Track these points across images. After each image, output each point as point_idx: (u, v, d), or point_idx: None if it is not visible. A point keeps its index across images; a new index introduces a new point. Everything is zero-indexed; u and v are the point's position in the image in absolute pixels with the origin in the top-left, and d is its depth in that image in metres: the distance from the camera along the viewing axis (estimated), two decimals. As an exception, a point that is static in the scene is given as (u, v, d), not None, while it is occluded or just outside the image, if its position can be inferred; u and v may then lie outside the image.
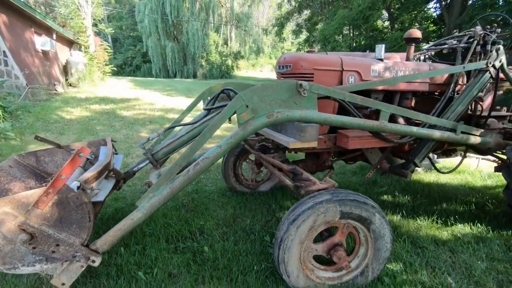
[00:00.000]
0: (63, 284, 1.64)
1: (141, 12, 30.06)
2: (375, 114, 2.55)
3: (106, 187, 2.03)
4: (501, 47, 2.66)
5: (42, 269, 1.60)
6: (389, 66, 2.51)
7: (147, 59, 33.82)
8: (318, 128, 2.00)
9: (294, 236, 1.78)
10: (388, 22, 20.13)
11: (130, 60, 35.32)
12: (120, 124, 6.53)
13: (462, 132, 2.49)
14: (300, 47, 25.34)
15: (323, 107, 2.09)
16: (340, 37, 19.24)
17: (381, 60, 2.54)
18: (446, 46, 3.05)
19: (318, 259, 1.97)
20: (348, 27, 18.68)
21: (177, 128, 2.75)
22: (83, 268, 1.66)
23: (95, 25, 14.75)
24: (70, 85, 11.69)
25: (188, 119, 3.04)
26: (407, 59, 2.78)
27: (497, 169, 3.13)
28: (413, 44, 2.75)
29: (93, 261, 1.65)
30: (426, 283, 2.03)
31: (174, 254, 2.22)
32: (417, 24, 18.63)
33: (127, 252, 2.19)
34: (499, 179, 3.95)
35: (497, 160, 3.24)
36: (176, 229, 2.50)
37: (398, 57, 2.78)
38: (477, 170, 4.36)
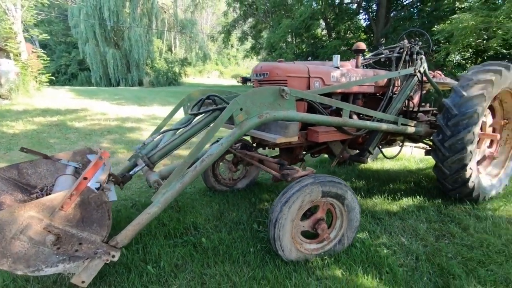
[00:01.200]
0: (83, 282, 1.75)
1: (75, 16, 27.87)
2: (335, 113, 3.07)
3: (112, 189, 2.15)
4: (423, 57, 3.41)
5: (65, 269, 1.70)
6: (344, 73, 3.05)
7: (85, 67, 31.43)
8: (298, 125, 2.41)
9: (287, 215, 2.14)
10: (326, 31, 22.01)
11: (64, 68, 32.40)
12: (75, 136, 6.21)
13: (402, 124, 3.14)
14: (248, 54, 26.14)
15: (296, 108, 2.50)
16: (284, 45, 20.45)
17: (338, 67, 3.07)
18: (383, 55, 3.75)
19: (304, 234, 2.36)
20: (291, 35, 19.96)
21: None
22: (103, 264, 1.79)
23: (26, 30, 13.44)
24: (0, 97, 10.50)
25: (169, 124, 3.22)
26: (357, 66, 3.37)
27: (427, 153, 3.92)
28: (360, 54, 3.35)
29: (113, 256, 1.79)
30: (386, 244, 2.56)
31: (175, 248, 2.41)
32: (350, 33, 20.71)
33: (129, 251, 2.31)
34: (428, 162, 4.86)
35: (426, 146, 4.04)
36: (170, 227, 2.68)
37: (349, 65, 3.36)
38: (412, 156, 5.26)
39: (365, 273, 2.16)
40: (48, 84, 13.93)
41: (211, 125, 2.02)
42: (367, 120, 2.96)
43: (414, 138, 3.88)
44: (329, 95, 2.91)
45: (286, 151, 3.14)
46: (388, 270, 2.20)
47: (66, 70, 32.40)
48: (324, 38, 21.67)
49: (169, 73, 32.91)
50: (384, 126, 2.96)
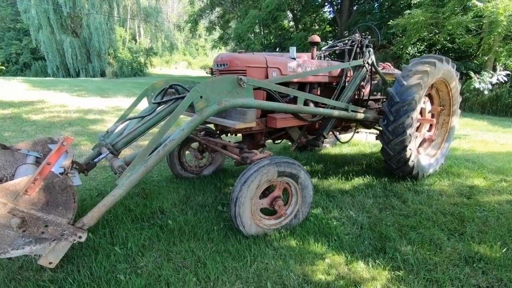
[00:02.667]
0: (50, 263, 1.84)
1: (25, 0, 25.62)
2: (293, 101, 3.31)
3: (76, 175, 2.21)
4: (371, 49, 3.75)
5: (32, 251, 1.77)
6: (300, 63, 3.29)
7: (39, 56, 29.11)
8: (256, 112, 2.61)
9: (246, 193, 2.35)
10: (293, 22, 22.36)
11: (15, 57, 29.72)
12: (32, 129, 5.93)
13: (352, 111, 3.46)
14: (216, 44, 25.81)
15: (255, 96, 2.70)
16: (252, 36, 20.52)
17: (294, 59, 3.30)
18: (337, 48, 4.05)
19: (263, 211, 2.59)
20: (259, 26, 20.05)
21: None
22: (69, 245, 1.88)
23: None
24: None
25: (132, 114, 3.27)
26: (312, 57, 3.63)
27: (377, 138, 4.33)
28: (315, 46, 3.60)
29: (80, 237, 1.89)
30: (337, 217, 2.88)
31: (142, 230, 2.53)
32: (316, 25, 21.23)
33: (96, 235, 2.40)
34: (380, 146, 5.32)
35: (377, 132, 4.45)
36: (137, 212, 2.79)
37: (305, 56, 3.60)
38: (366, 142, 5.72)
39: (316, 241, 2.45)
40: (-2, 74, 12.87)
41: (173, 112, 2.15)
42: (322, 107, 3.24)
43: (366, 125, 4.26)
44: (286, 84, 3.12)
45: (248, 137, 3.34)
46: (336, 238, 2.51)
47: (18, 59, 29.76)
48: (291, 29, 22.04)
49: (134, 63, 31.60)
50: (336, 112, 3.26)
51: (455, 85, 4.04)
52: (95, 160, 2.57)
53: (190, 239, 2.43)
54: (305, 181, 2.62)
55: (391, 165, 3.67)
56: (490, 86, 9.88)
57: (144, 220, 2.71)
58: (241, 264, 2.16)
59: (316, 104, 3.28)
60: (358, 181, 3.77)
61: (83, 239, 1.90)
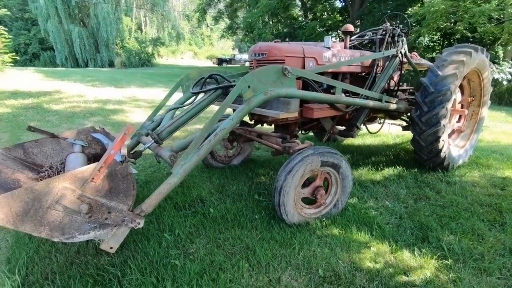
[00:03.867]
0: (111, 247, 1.90)
1: (34, -10, 25.56)
2: (325, 91, 3.30)
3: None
4: (404, 39, 3.70)
5: (96, 235, 1.83)
6: (335, 53, 3.26)
7: (48, 46, 29.21)
8: (298, 102, 2.61)
9: (291, 183, 2.38)
10: (303, 12, 21.97)
11: (23, 48, 29.84)
12: (56, 119, 6.01)
13: (386, 101, 3.44)
14: (224, 34, 25.56)
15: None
16: (261, 25, 20.25)
17: (329, 48, 3.27)
18: (367, 37, 3.99)
19: (304, 200, 2.63)
20: (268, 15, 19.76)
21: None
22: (128, 231, 1.94)
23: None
24: (-40, 78, 9.71)
25: (169, 102, 3.30)
26: (345, 47, 3.59)
27: (405, 129, 4.32)
28: (348, 35, 3.56)
29: (138, 223, 1.94)
30: (373, 207, 2.90)
31: (186, 218, 2.59)
32: (327, 14, 20.85)
33: (144, 222, 2.46)
34: (404, 137, 5.31)
35: (402, 123, 4.42)
36: (178, 200, 2.84)
37: (339, 46, 3.57)
38: (389, 133, 5.69)
39: (358, 230, 2.48)
40: (12, 64, 12.97)
41: (224, 101, 2.17)
42: (355, 97, 3.23)
43: (392, 115, 4.23)
44: (321, 74, 3.11)
45: (282, 127, 3.35)
46: (377, 227, 2.54)
47: (26, 50, 29.89)
48: (300, 19, 21.69)
49: (141, 53, 31.49)
50: (371, 103, 3.24)
51: (487, 75, 3.98)
52: (141, 149, 2.61)
53: (235, 227, 2.48)
54: (346, 171, 2.63)
55: (422, 156, 3.66)
56: (509, 77, 9.69)
57: (185, 208, 2.77)
58: (289, 251, 2.21)
59: (347, 94, 3.27)
60: (388, 171, 3.77)
61: (141, 225, 1.95)
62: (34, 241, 2.23)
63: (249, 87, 2.25)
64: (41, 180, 2.35)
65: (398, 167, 3.87)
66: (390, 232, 2.49)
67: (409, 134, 4.70)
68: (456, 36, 10.72)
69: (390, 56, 3.64)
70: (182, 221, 2.54)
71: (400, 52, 3.63)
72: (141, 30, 39.64)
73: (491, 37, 9.57)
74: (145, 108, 7.64)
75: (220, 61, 40.06)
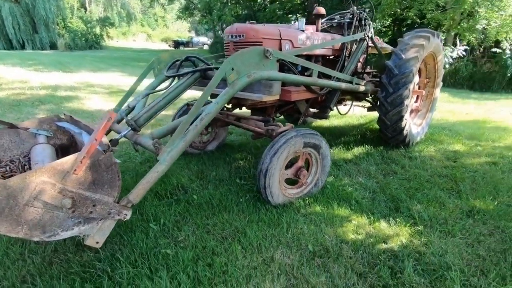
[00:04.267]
0: (97, 242, 1.79)
1: None
2: (300, 73, 3.35)
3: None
4: (371, 23, 3.86)
5: (80, 231, 1.71)
6: (308, 36, 3.30)
7: (-28, 25, 25.25)
8: (280, 84, 2.62)
9: (276, 165, 2.42)
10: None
11: None
12: (-2, 108, 5.32)
13: (356, 84, 3.60)
14: (181, 15, 24.30)
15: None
16: (220, 6, 19.61)
17: (303, 31, 3.30)
18: (335, 21, 4.09)
19: (286, 181, 2.70)
20: (227, -4, 19.19)
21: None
22: (114, 224, 1.84)
23: None
24: None
25: (140, 88, 3.10)
26: (317, 30, 3.65)
27: (369, 109, 4.59)
28: (320, 18, 3.62)
29: (126, 215, 1.84)
30: (349, 183, 3.09)
31: (170, 206, 2.52)
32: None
33: (125, 214, 2.34)
34: (367, 118, 5.64)
35: (367, 104, 4.67)
36: (159, 189, 2.74)
37: (311, 28, 3.61)
38: (353, 114, 5.99)
39: (339, 206, 2.63)
40: None
41: (208, 85, 2.10)
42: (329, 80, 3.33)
43: (358, 97, 4.45)
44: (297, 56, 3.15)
45: (259, 111, 3.35)
46: (355, 202, 2.71)
47: None
48: (259, 0, 21.38)
49: (88, 34, 28.75)
50: (343, 85, 3.37)
51: (441, 58, 4.34)
52: (117, 137, 2.43)
53: (222, 212, 2.48)
54: (325, 151, 2.75)
55: (387, 134, 3.94)
56: (451, 60, 10.68)
57: (167, 197, 2.68)
58: (278, 231, 2.28)
59: (323, 77, 3.35)
60: (358, 150, 4.01)
61: (128, 217, 1.86)
62: (0, 243, 2.01)
63: (232, 69, 2.20)
64: (2, 176, 2.10)
65: (366, 145, 4.12)
66: (367, 205, 2.68)
67: (372, 115, 5.03)
68: (407, 22, 11.46)
69: (358, 40, 3.79)
70: (166, 210, 2.47)
71: (368, 36, 3.79)
72: (85, 9, 35.99)
73: (435, 23, 10.37)
74: (103, 94, 7.09)
75: (177, 44, 38.29)
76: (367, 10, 4.03)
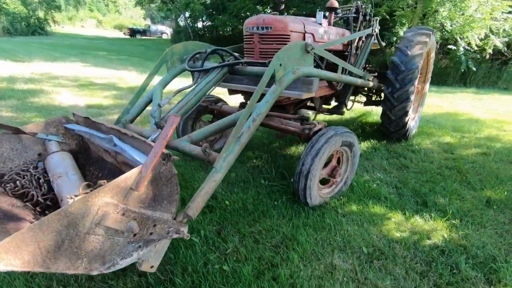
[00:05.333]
0: (152, 266, 1.55)
1: None
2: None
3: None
4: (378, 18, 3.89)
5: (139, 256, 1.45)
6: (326, 30, 3.21)
7: None
8: (318, 81, 2.50)
9: (318, 166, 2.32)
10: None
11: None
12: None
13: (367, 79, 3.62)
14: (141, 0, 22.66)
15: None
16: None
17: (320, 24, 3.20)
18: (341, 15, 4.05)
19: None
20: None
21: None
22: (168, 243, 1.60)
23: None
24: None
25: (153, 82, 2.76)
26: (329, 24, 3.56)
27: (366, 104, 4.68)
28: (333, 12, 3.54)
29: (183, 232, 1.61)
30: (370, 180, 3.10)
31: (205, 215, 2.29)
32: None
33: (159, 228, 2.08)
34: (359, 112, 5.77)
35: (362, 98, 4.75)
36: (185, 196, 2.49)
37: (325, 22, 3.52)
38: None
39: (373, 204, 2.63)
40: None
41: (259, 83, 1.90)
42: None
43: (355, 91, 4.51)
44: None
45: (278, 108, 3.20)
46: (384, 199, 2.73)
47: None
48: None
49: (30, 18, 25.53)
50: (359, 81, 3.36)
51: (433, 55, 4.56)
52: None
53: (261, 217, 2.33)
54: (356, 149, 2.71)
55: (390, 129, 4.05)
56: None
57: (197, 204, 2.44)
58: (325, 234, 2.20)
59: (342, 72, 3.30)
60: (364, 145, 4.07)
61: (185, 234, 1.63)
62: (19, 279, 1.65)
63: (280, 65, 2.03)
64: (13, 194, 1.72)
65: (370, 140, 4.20)
66: (396, 201, 2.71)
67: (364, 109, 5.15)
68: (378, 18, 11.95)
69: (367, 35, 3.80)
70: (202, 219, 2.25)
71: (375, 31, 3.82)
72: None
73: (402, 20, 10.96)
74: (72, 87, 6.32)
75: (133, 32, 35.91)
76: (369, 5, 4.05)
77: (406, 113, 3.80)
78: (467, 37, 9.27)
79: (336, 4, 3.45)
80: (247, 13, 14.62)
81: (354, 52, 3.73)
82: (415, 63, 3.66)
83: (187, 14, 22.49)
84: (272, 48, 2.67)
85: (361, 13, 3.86)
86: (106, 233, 1.28)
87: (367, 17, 3.91)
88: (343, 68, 3.00)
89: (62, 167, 1.75)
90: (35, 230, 1.05)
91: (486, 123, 5.81)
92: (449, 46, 11.47)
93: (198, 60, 2.72)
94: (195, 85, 2.37)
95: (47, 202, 1.76)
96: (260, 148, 3.74)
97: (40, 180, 1.77)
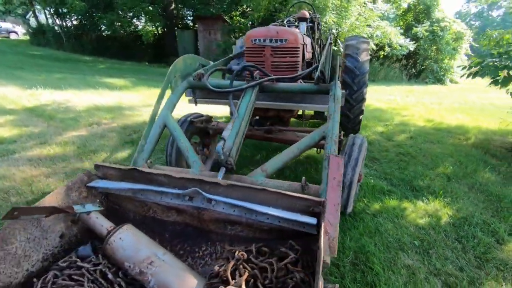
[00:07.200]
0: None
1: None
2: None
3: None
4: (334, 30, 4.25)
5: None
6: (310, 41, 3.31)
7: None
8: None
9: (357, 175, 2.42)
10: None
11: None
12: None
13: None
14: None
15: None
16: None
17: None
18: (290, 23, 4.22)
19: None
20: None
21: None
22: None
23: None
24: None
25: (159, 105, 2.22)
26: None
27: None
28: (305, 22, 3.66)
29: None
30: (368, 175, 3.42)
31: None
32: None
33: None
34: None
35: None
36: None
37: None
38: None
39: (386, 199, 2.93)
40: None
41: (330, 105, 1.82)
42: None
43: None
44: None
45: (278, 119, 3.11)
46: (388, 192, 3.08)
47: None
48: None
49: None
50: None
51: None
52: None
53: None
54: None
55: (348, 126, 4.54)
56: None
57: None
58: (378, 238, 2.33)
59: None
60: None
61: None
62: None
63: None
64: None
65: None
66: (395, 192, 3.10)
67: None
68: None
69: (329, 43, 4.11)
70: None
71: (333, 40, 4.17)
72: None
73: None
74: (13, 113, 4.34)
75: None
76: (318, 15, 4.39)
77: (362, 112, 4.34)
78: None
79: (307, 15, 3.59)
80: (141, 13, 13.25)
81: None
82: (366, 67, 4.20)
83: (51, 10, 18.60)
84: (286, 61, 2.58)
85: (315, 22, 4.13)
86: None
87: (319, 27, 4.22)
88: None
89: (143, 247, 1.23)
90: None
91: (388, 111, 7.21)
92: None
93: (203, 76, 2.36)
94: (236, 109, 2.05)
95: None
96: (252, 162, 3.56)
97: (108, 276, 1.19)
